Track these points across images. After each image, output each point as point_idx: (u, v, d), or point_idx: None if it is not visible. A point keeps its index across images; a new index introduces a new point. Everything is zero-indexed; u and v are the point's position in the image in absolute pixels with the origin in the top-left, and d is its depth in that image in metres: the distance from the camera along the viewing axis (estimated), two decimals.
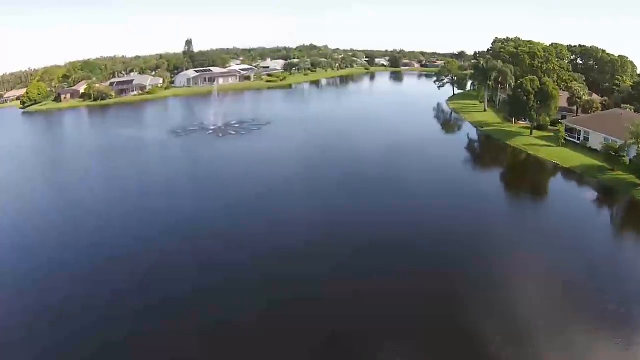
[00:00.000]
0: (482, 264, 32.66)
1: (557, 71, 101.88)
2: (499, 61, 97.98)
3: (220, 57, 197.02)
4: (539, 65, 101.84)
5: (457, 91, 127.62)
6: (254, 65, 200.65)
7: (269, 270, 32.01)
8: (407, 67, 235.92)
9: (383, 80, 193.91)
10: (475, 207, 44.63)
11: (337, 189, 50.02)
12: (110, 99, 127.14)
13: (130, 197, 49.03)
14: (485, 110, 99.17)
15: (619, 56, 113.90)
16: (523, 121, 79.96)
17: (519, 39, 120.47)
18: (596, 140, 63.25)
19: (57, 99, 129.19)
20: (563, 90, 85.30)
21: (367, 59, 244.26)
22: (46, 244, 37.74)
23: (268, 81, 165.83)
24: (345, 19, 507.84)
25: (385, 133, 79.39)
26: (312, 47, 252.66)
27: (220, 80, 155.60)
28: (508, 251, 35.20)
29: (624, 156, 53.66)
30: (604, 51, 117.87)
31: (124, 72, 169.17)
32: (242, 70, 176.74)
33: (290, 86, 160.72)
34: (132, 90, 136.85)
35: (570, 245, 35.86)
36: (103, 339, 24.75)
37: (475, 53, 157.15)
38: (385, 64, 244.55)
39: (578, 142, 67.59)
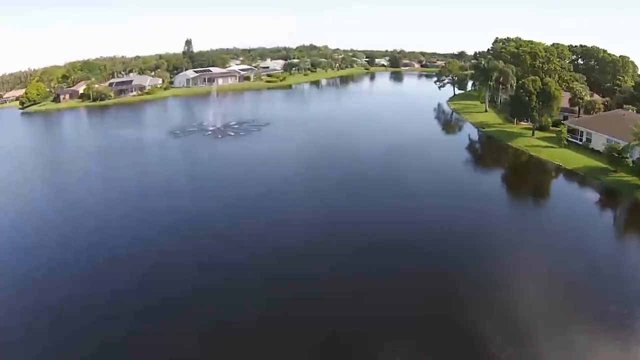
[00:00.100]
0: (483, 264, 32.57)
1: (558, 71, 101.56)
2: (500, 61, 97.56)
3: (219, 57, 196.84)
4: (540, 65, 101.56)
5: (457, 91, 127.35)
6: (254, 65, 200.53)
7: (268, 270, 31.94)
8: (407, 67, 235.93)
9: (383, 80, 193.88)
10: (476, 207, 44.50)
11: (337, 189, 49.94)
12: (109, 99, 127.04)
13: (129, 198, 48.95)
14: (486, 111, 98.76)
15: (620, 56, 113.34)
16: (525, 122, 79.51)
17: (519, 38, 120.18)
18: (599, 142, 62.75)
19: (56, 100, 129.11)
20: (564, 91, 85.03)
21: (367, 59, 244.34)
22: (46, 244, 37.66)
23: (268, 81, 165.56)
24: (345, 19, 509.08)
25: (386, 133, 79.25)
26: (312, 47, 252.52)
27: (220, 81, 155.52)
28: (509, 252, 35.07)
29: (627, 157, 53.13)
30: (605, 51, 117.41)
31: (123, 73, 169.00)
32: (242, 70, 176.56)
33: (290, 86, 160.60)
34: (131, 91, 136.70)
35: (572, 247, 35.72)
36: (103, 339, 24.69)
37: (476, 53, 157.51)
38: (385, 64, 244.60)
39: (580, 143, 67.12)
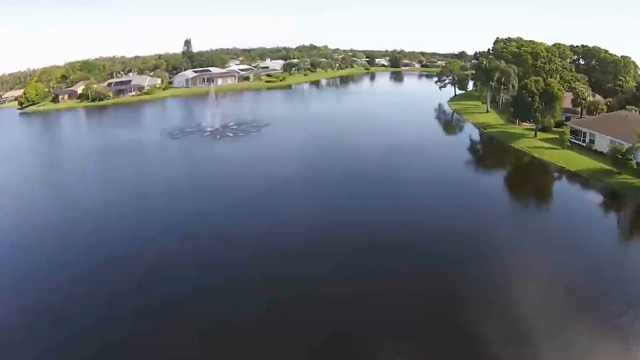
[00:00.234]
0: (483, 265, 32.49)
1: (559, 71, 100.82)
2: (502, 61, 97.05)
3: (219, 57, 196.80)
4: (542, 65, 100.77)
5: (458, 92, 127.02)
6: (253, 65, 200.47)
7: (268, 270, 31.87)
8: (407, 67, 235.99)
9: (383, 80, 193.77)
10: (477, 208, 44.33)
11: (337, 189, 49.85)
12: (107, 99, 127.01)
13: (128, 198, 48.88)
14: (487, 111, 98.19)
15: (622, 56, 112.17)
16: (527, 123, 78.67)
17: (521, 38, 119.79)
18: (602, 143, 61.97)
19: (55, 100, 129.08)
20: (566, 91, 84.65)
21: (367, 59, 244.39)
22: (45, 244, 37.60)
23: (267, 81, 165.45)
24: (345, 19, 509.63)
25: (386, 133, 79.11)
26: (312, 47, 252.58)
27: (219, 81, 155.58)
28: (510, 252, 34.95)
29: (631, 159, 52.42)
30: (606, 51, 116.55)
31: (122, 73, 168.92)
32: (241, 70, 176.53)
33: (289, 86, 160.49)
34: (130, 91, 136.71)
35: (575, 248, 35.39)
36: (103, 339, 24.65)
37: (476, 53, 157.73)
38: (386, 64, 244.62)
39: (583, 144, 66.31)
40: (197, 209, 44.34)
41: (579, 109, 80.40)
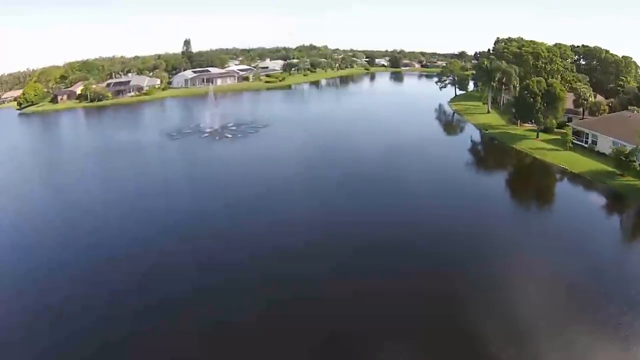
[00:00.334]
0: (484, 265, 32.44)
1: (561, 72, 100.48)
2: (503, 61, 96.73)
3: (218, 57, 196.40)
4: (543, 65, 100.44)
5: (459, 92, 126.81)
6: (253, 65, 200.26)
7: (268, 270, 31.83)
8: (407, 68, 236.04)
9: (383, 80, 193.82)
10: (477, 208, 44.23)
11: (337, 189, 49.81)
12: (106, 100, 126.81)
13: (128, 198, 48.77)
14: (488, 112, 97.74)
15: (623, 57, 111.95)
16: (529, 124, 77.95)
17: (521, 38, 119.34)
18: (604, 144, 61.50)
19: (54, 100, 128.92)
20: (568, 92, 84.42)
21: (367, 59, 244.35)
22: (45, 245, 37.53)
23: (267, 82, 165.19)
24: (345, 19, 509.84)
25: (386, 134, 79.06)
26: (312, 47, 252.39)
27: (219, 81, 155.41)
28: (511, 253, 34.90)
29: (634, 161, 51.87)
30: (607, 51, 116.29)
31: (121, 73, 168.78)
32: (241, 70, 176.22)
33: (289, 87, 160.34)
34: (129, 91, 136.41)
35: (576, 250, 35.16)
36: (103, 339, 24.60)
37: (476, 53, 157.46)
38: (386, 64, 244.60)
39: (586, 145, 65.77)
40: (197, 209, 44.29)
41: (581, 109, 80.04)
